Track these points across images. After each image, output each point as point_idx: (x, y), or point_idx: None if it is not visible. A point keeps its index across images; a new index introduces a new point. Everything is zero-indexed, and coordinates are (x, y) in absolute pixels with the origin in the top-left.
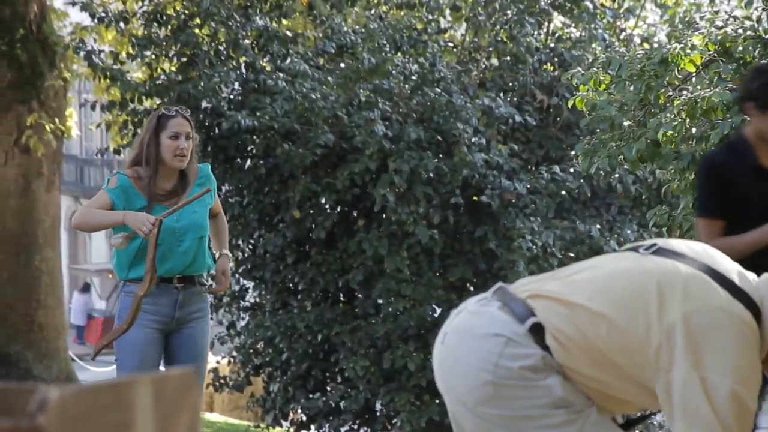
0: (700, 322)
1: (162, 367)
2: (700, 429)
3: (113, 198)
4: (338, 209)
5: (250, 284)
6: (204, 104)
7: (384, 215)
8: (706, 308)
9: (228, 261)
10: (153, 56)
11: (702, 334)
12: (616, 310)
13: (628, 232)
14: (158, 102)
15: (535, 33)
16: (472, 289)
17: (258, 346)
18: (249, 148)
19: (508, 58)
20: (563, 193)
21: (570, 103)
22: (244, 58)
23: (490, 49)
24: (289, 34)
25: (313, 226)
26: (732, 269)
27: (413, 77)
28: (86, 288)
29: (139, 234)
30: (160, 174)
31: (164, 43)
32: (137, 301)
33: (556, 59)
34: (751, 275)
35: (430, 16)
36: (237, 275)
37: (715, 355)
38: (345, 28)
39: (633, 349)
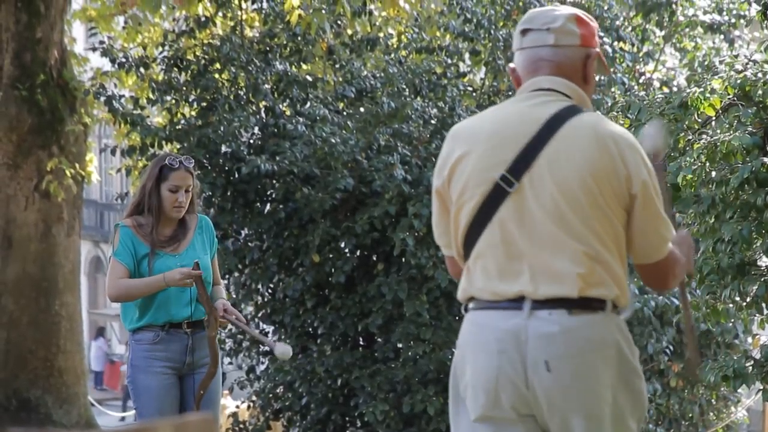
0: None
1: None
2: None
3: (125, 264)
4: (358, 253)
5: (269, 329)
6: (224, 149)
7: (403, 259)
8: None
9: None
10: (173, 101)
11: None
12: None
13: None
14: (178, 147)
15: None
16: None
17: (278, 391)
18: (268, 193)
19: None
20: None
21: None
22: (263, 103)
23: (509, 93)
24: (308, 78)
25: (333, 270)
26: None
27: (432, 121)
28: (100, 332)
29: (187, 285)
30: (160, 222)
31: (184, 88)
32: (213, 343)
33: None
34: None
35: (449, 61)
36: (257, 319)
37: None
38: (364, 73)
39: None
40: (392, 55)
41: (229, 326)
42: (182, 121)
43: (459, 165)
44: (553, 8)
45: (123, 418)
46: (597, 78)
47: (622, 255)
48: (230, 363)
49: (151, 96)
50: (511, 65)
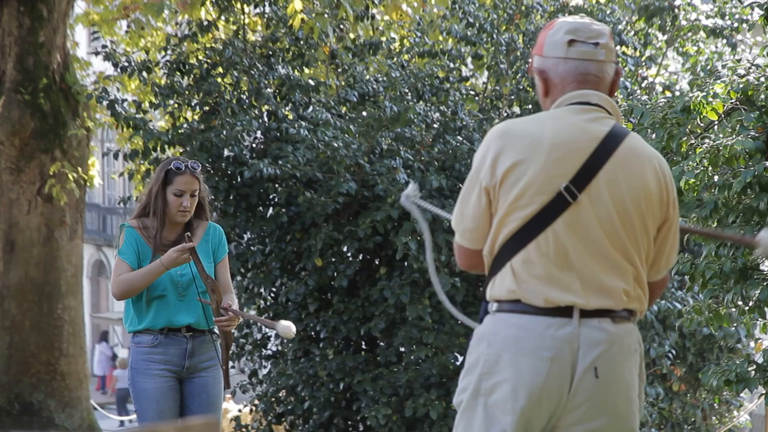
0: None
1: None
2: None
3: (129, 262)
4: (360, 257)
5: (272, 333)
6: (226, 152)
7: (406, 263)
8: None
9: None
10: (176, 105)
11: None
12: None
13: None
14: (180, 151)
15: None
16: None
17: (280, 395)
18: (271, 197)
19: (530, 106)
20: None
21: None
22: (266, 107)
23: (512, 97)
24: (311, 82)
25: (335, 274)
26: None
27: (435, 125)
28: (104, 337)
29: (185, 261)
30: (165, 226)
31: (187, 92)
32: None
33: None
34: None
35: (451, 65)
36: (259, 323)
37: None
38: (367, 77)
39: None
40: (395, 59)
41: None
42: (185, 125)
43: (516, 169)
44: (591, 21)
45: (122, 423)
46: None
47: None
48: (233, 367)
49: (153, 100)
50: (538, 67)
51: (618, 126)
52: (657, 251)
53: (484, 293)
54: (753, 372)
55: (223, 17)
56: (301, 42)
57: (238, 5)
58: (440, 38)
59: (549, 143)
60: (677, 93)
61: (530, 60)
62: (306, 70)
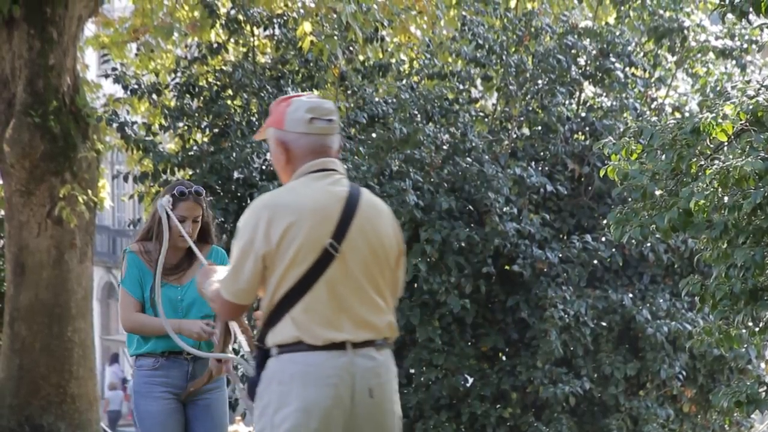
0: None
1: None
2: None
3: (134, 295)
4: None
5: None
6: (236, 174)
7: (416, 285)
8: None
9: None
10: (185, 127)
11: None
12: None
13: (661, 301)
14: (190, 173)
15: (566, 102)
16: (504, 358)
17: None
18: None
19: (540, 127)
20: (595, 262)
21: (602, 173)
22: None
23: (522, 118)
24: None
25: None
26: None
27: (444, 147)
28: (115, 359)
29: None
30: (167, 250)
31: (196, 115)
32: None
33: (587, 128)
34: None
35: (461, 86)
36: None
37: None
38: (376, 99)
39: None
40: (404, 81)
41: (241, 349)
42: (195, 148)
43: (288, 234)
44: (323, 100)
45: None
46: (609, 103)
47: None
48: (243, 389)
49: (163, 122)
50: (279, 139)
51: (352, 184)
52: (397, 280)
53: (260, 342)
54: (763, 393)
55: (232, 39)
56: (311, 64)
57: (248, 28)
58: (449, 60)
59: (310, 209)
60: (687, 114)
61: (264, 129)
62: (315, 92)
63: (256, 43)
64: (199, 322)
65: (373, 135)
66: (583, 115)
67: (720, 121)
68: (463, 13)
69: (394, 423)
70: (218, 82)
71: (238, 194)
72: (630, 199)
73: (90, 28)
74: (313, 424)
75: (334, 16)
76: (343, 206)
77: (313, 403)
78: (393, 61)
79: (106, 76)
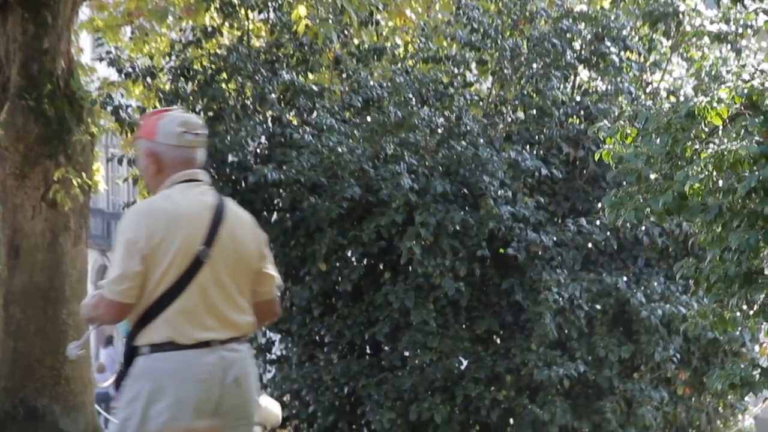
0: None
1: None
2: None
3: None
4: (365, 262)
5: (276, 337)
6: (231, 158)
7: (410, 268)
8: None
9: None
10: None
11: None
12: None
13: (655, 284)
14: None
15: (561, 86)
16: (498, 341)
17: (285, 399)
18: (275, 202)
19: (534, 111)
20: (590, 245)
21: (596, 156)
22: (270, 112)
23: (516, 102)
24: (315, 88)
25: (340, 278)
26: None
27: (439, 130)
28: (109, 341)
29: None
30: None
31: (191, 98)
32: None
33: (582, 112)
34: None
35: (456, 70)
36: (263, 328)
37: None
38: (371, 82)
39: None
40: (399, 65)
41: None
42: None
43: (166, 239)
44: (192, 115)
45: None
46: (604, 87)
47: None
48: None
49: (158, 105)
50: (150, 150)
51: (217, 194)
52: (260, 281)
53: (130, 341)
54: (758, 376)
55: (227, 23)
56: (306, 48)
57: (243, 11)
58: (444, 44)
59: (185, 216)
60: (682, 98)
61: (134, 139)
62: (310, 76)
63: (251, 26)
64: None
65: (368, 118)
66: (578, 99)
67: (715, 105)
68: None
69: (254, 407)
70: (213, 66)
71: (233, 178)
72: (625, 183)
73: (84, 12)
74: (186, 416)
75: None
76: (212, 214)
77: (186, 398)
78: (388, 44)
79: (101, 59)
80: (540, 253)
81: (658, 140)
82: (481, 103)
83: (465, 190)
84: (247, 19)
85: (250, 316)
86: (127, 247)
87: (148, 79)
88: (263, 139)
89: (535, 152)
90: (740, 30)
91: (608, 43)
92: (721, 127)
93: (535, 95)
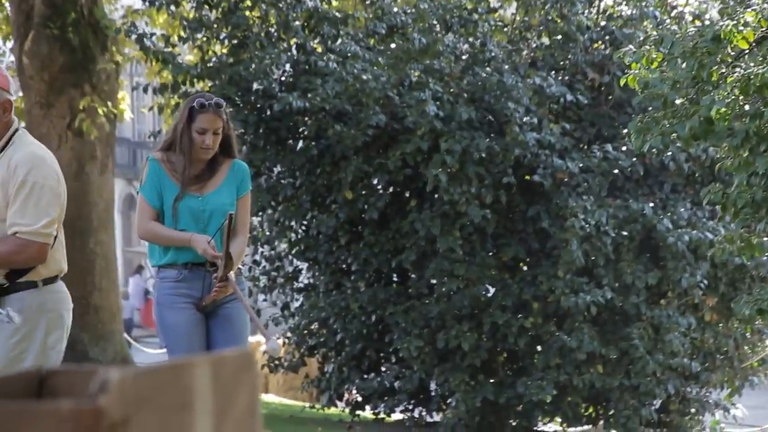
0: None
1: None
2: None
3: (152, 204)
4: (390, 190)
5: (303, 265)
6: (255, 86)
7: (436, 195)
8: None
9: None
10: (204, 39)
11: None
12: None
13: (681, 210)
14: (210, 84)
15: (586, 11)
16: (525, 268)
17: (312, 327)
18: (301, 130)
19: (559, 36)
20: (616, 171)
21: (622, 82)
22: (294, 40)
23: (541, 28)
24: (339, 15)
25: (366, 206)
26: None
27: (464, 57)
28: (139, 270)
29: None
30: (191, 163)
31: (215, 26)
32: (217, 286)
33: (607, 37)
34: None
35: None
36: (290, 256)
37: None
38: (395, 9)
39: None
40: None
41: (263, 263)
42: (213, 59)
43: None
44: None
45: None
46: (629, 12)
47: None
48: (265, 300)
49: (182, 34)
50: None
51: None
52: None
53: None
54: None
55: None
56: None
57: None
58: None
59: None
60: (707, 22)
61: None
62: (334, 3)
63: None
64: (204, 241)
65: (392, 46)
66: (603, 23)
67: (741, 28)
68: None
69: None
70: None
71: (258, 106)
72: (650, 108)
73: None
74: (66, 339)
75: None
76: None
77: (68, 323)
78: None
79: None
80: (566, 179)
81: (683, 65)
82: (505, 29)
83: (490, 117)
84: None
85: None
86: (51, 194)
87: (172, 7)
88: (288, 66)
89: (560, 78)
90: None
91: None
92: (747, 51)
93: (559, 20)
